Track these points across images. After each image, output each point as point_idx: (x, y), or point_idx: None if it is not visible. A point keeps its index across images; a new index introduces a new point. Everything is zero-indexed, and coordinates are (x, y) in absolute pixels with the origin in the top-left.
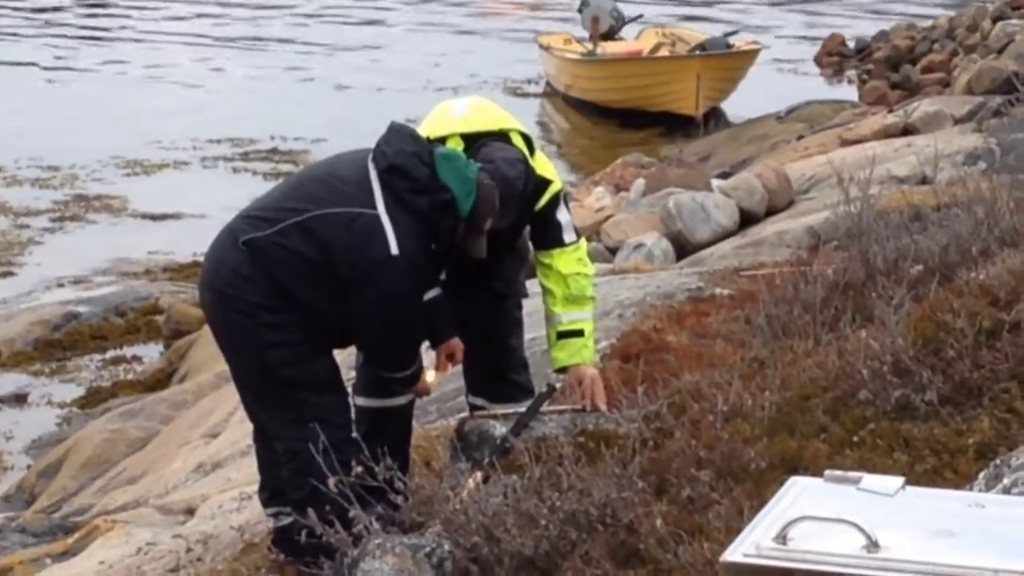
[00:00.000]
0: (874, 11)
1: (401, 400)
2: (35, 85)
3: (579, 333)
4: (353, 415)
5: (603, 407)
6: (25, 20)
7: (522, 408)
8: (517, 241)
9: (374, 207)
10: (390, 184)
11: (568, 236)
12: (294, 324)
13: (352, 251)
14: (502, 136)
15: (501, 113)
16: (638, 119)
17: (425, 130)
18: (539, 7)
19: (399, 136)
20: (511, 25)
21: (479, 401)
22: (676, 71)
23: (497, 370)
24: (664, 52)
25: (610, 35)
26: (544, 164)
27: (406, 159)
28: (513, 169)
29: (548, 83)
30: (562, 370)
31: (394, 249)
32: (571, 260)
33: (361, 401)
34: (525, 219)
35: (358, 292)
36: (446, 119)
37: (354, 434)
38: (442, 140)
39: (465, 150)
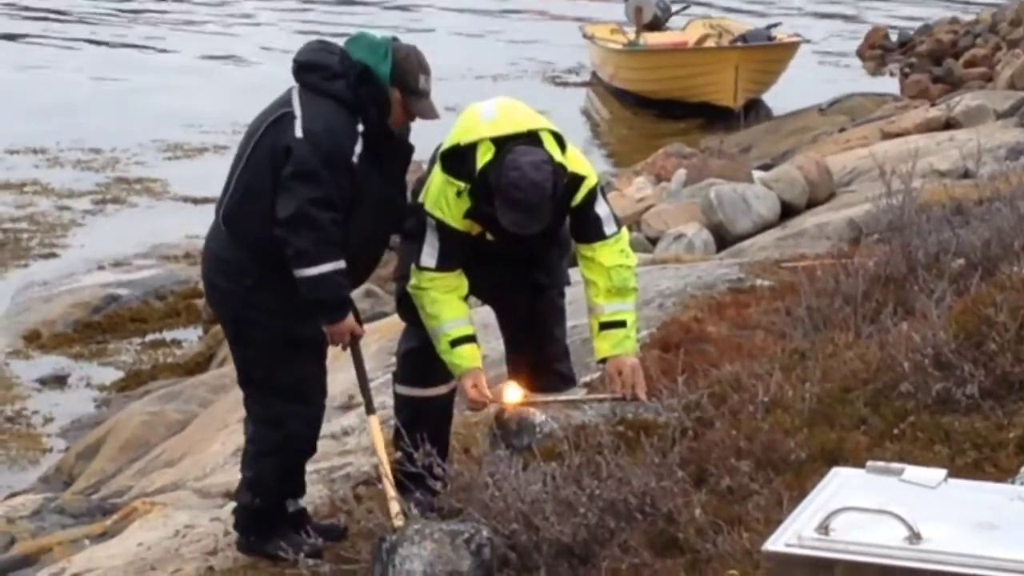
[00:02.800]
0: (917, 4)
1: (442, 389)
2: (76, 68)
3: (622, 324)
4: (394, 403)
5: (643, 397)
6: (69, 4)
7: (563, 396)
8: (559, 234)
9: (289, 106)
10: (305, 82)
11: (609, 228)
12: (274, 324)
13: (274, 148)
14: (532, 136)
15: (529, 113)
16: (678, 110)
17: (454, 137)
18: None
19: (306, 45)
20: (553, 12)
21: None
22: (714, 62)
23: (542, 359)
24: (710, 43)
25: (657, 26)
26: (577, 160)
27: (313, 54)
28: (539, 173)
29: (594, 73)
30: (602, 360)
31: (298, 132)
32: (613, 252)
33: (401, 389)
34: (562, 216)
35: (279, 187)
36: (474, 124)
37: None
38: (472, 146)
39: (495, 154)
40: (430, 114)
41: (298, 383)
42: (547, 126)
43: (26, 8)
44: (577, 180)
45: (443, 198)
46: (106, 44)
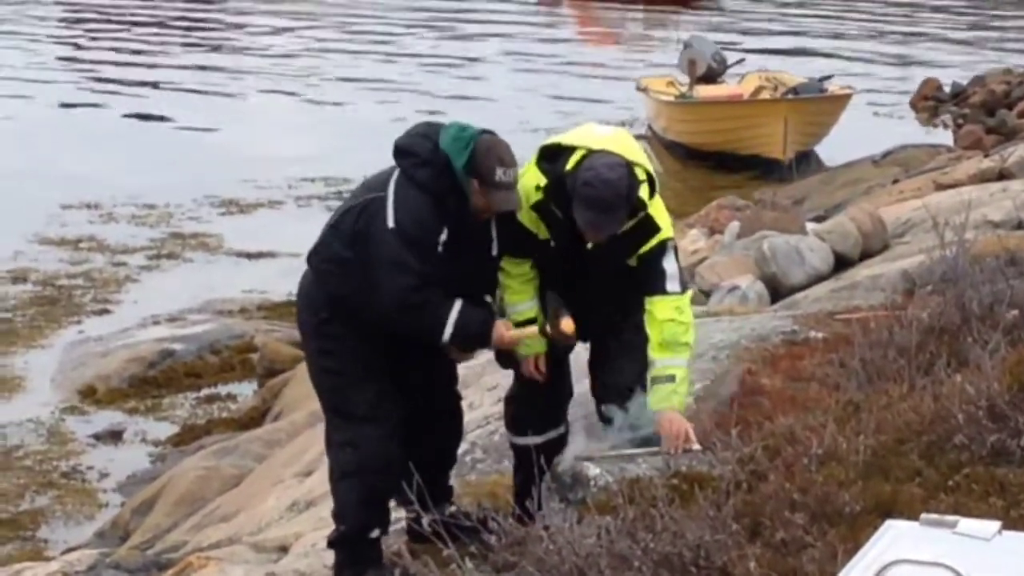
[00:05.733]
0: (970, 56)
1: (533, 440)
2: (132, 124)
3: (671, 379)
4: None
5: (686, 447)
6: (126, 60)
7: (621, 451)
8: (627, 272)
9: (385, 190)
10: (401, 166)
11: (671, 286)
12: (347, 349)
13: (363, 232)
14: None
15: (637, 149)
16: (731, 162)
17: (563, 138)
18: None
19: (414, 127)
20: (608, 65)
21: (612, 408)
22: (763, 115)
23: (626, 387)
24: (764, 96)
25: (712, 78)
26: (659, 210)
27: (409, 139)
28: (613, 172)
29: (648, 125)
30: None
31: (390, 223)
32: (669, 308)
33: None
34: (629, 248)
35: (372, 269)
36: (585, 134)
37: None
38: (572, 149)
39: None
40: (505, 205)
41: (370, 404)
42: (646, 166)
43: (85, 70)
44: (653, 225)
45: (524, 186)
46: (153, 100)
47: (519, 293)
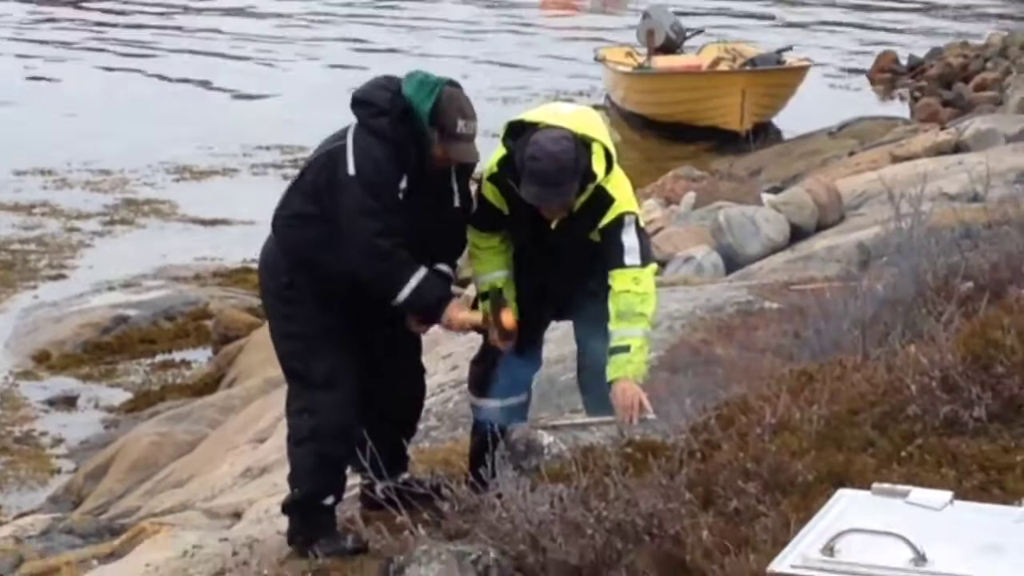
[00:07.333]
0: (928, 29)
1: (491, 403)
2: (87, 90)
3: (626, 349)
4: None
5: (636, 418)
6: (81, 25)
7: (576, 419)
8: (589, 243)
9: (343, 140)
10: (358, 116)
11: (630, 259)
12: (308, 315)
13: (325, 184)
14: (584, 141)
15: (597, 126)
16: (688, 133)
17: (526, 114)
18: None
19: (371, 80)
20: (568, 35)
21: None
22: (721, 86)
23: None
24: (723, 67)
25: (671, 49)
26: (618, 184)
27: (367, 90)
28: (557, 145)
29: (607, 95)
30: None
31: (351, 170)
32: (626, 279)
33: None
34: (589, 223)
35: (338, 220)
36: (548, 111)
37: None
38: (533, 125)
39: None
40: (465, 157)
41: (328, 371)
42: (604, 142)
43: (43, 33)
44: (607, 197)
45: (489, 161)
46: (108, 67)
47: (486, 263)
